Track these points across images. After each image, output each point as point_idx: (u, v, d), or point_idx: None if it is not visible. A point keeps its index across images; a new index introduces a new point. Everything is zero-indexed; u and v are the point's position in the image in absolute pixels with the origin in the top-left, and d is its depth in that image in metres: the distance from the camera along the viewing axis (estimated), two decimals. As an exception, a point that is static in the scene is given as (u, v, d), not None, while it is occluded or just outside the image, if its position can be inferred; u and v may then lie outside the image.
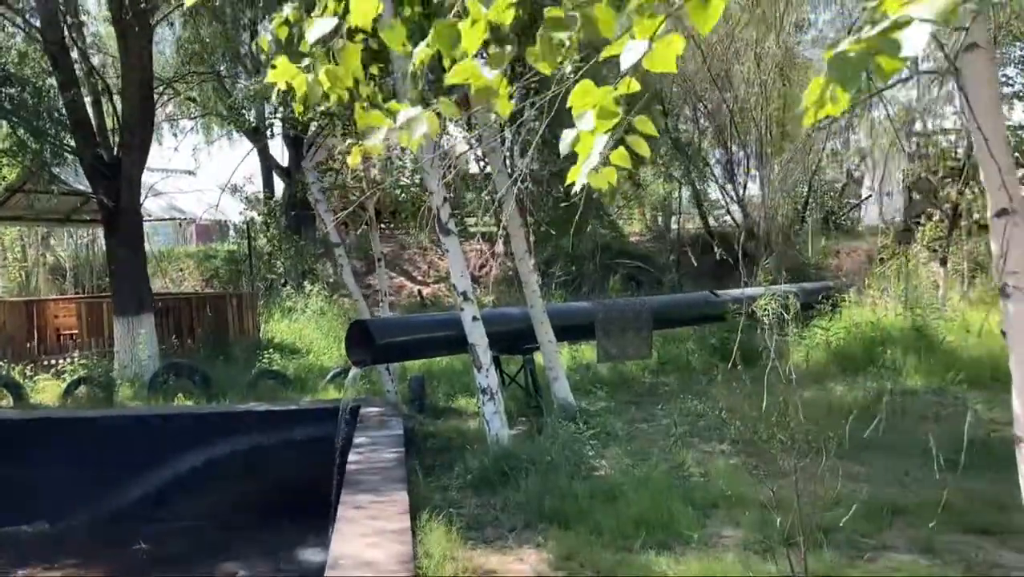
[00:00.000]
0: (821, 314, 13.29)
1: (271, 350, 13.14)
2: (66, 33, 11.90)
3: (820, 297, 13.66)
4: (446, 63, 1.99)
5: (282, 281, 18.61)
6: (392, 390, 9.64)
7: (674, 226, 19.13)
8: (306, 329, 15.95)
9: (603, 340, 10.47)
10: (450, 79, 1.94)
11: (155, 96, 13.29)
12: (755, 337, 12.43)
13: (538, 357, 9.69)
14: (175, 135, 21.81)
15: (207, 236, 29.32)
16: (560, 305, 10.66)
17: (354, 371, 8.29)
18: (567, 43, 1.82)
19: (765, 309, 12.50)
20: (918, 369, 10.61)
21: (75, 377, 11.16)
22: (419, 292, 18.90)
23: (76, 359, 11.81)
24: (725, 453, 7.70)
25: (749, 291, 12.80)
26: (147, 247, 21.99)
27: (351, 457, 6.64)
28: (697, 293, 12.50)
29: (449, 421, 9.59)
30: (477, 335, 7.28)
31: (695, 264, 16.73)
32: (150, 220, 17.10)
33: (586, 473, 6.90)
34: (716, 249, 17.82)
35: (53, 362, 12.60)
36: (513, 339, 9.25)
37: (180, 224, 30.00)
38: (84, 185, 13.59)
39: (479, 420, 9.40)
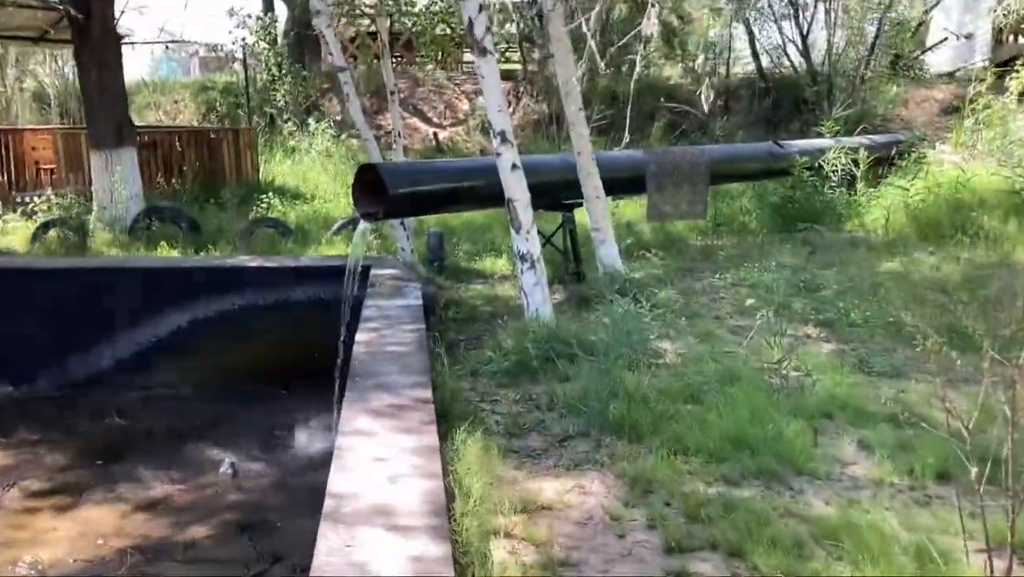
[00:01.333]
0: (897, 171, 11.69)
1: (271, 194, 11.67)
2: None
3: (893, 151, 12.01)
4: None
5: (284, 117, 16.89)
6: (407, 248, 8.23)
7: (722, 68, 17.15)
8: (311, 172, 14.42)
9: (655, 195, 8.94)
10: None
11: None
12: (821, 195, 10.92)
13: (579, 214, 8.22)
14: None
15: (210, 69, 27.33)
16: (606, 154, 9.09)
17: (363, 225, 6.85)
18: None
19: (834, 164, 10.95)
20: (1019, 239, 9.10)
21: (45, 220, 9.77)
22: (435, 135, 17.21)
23: (52, 198, 10.39)
24: (816, 339, 6.33)
25: (816, 143, 11.17)
26: (140, 77, 20.15)
27: (360, 336, 5.30)
28: (759, 144, 10.85)
29: (474, 285, 8.23)
30: (517, 188, 5.78)
31: (748, 111, 14.92)
32: (132, 42, 15.24)
33: (650, 362, 5.57)
34: (770, 95, 15.96)
35: (27, 200, 11.17)
36: (551, 192, 7.74)
37: (184, 55, 28.00)
38: (52, -4, 11.76)
39: (509, 286, 8.04)
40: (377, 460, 3.38)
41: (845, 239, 9.93)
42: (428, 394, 4.17)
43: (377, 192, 6.76)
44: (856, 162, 10.95)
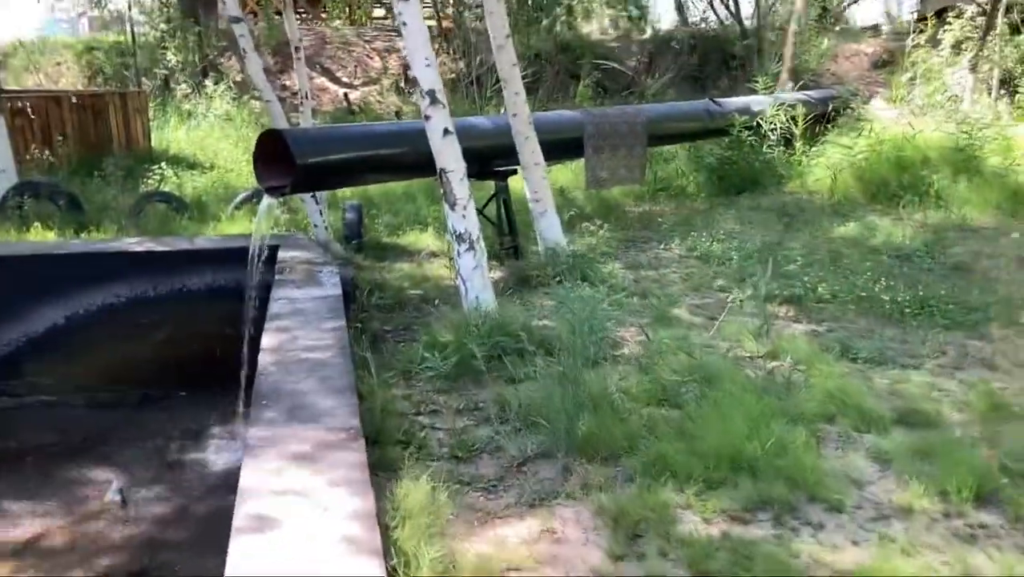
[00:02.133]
0: (834, 128, 11.19)
1: (164, 165, 10.47)
2: None
3: (829, 108, 11.51)
4: None
5: (177, 78, 15.47)
6: (321, 223, 7.28)
7: (647, 26, 16.43)
8: (209, 138, 13.16)
9: (593, 160, 8.18)
10: None
11: None
12: (760, 156, 10.35)
13: (513, 182, 7.40)
14: None
15: (100, 28, 25.29)
16: (541, 115, 8.25)
17: (267, 201, 5.89)
18: None
19: (772, 122, 10.37)
20: (969, 199, 8.68)
21: None
22: (345, 96, 16.06)
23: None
24: (785, 318, 5.69)
25: (752, 100, 10.57)
26: (16, 38, 18.33)
27: (267, 340, 4.39)
28: (695, 102, 10.18)
29: (398, 265, 7.35)
30: (450, 157, 4.92)
31: (674, 68, 14.24)
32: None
33: (613, 358, 4.83)
34: (696, 51, 15.31)
35: None
36: (482, 159, 6.89)
37: (73, 14, 25.93)
38: None
39: (439, 265, 7.19)
40: (295, 541, 2.53)
41: (789, 202, 9.37)
42: (355, 421, 3.33)
43: (283, 162, 5.81)
44: (794, 120, 10.41)
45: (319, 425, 3.28)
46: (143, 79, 15.43)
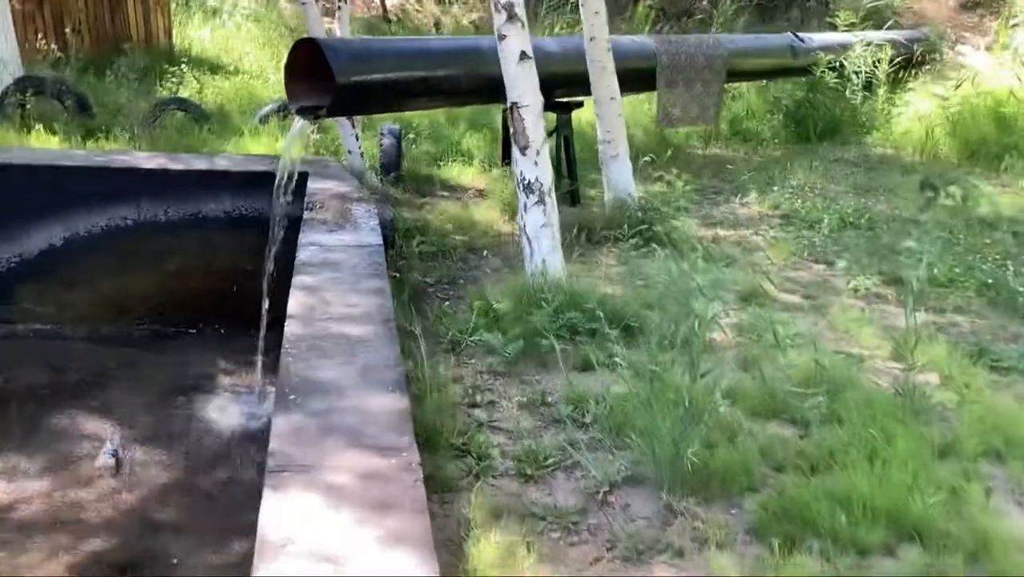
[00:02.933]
0: (920, 74, 10.12)
1: (185, 65, 9.55)
2: None
3: (917, 52, 10.40)
4: None
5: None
6: (356, 150, 6.41)
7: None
8: (234, 39, 12.16)
9: (665, 95, 7.24)
10: None
11: None
12: (841, 101, 9.32)
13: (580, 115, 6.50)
14: None
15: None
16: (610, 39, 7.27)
17: (299, 123, 5.02)
18: None
19: (857, 63, 9.30)
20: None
21: None
22: (382, 3, 14.91)
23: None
24: (894, 303, 4.84)
25: (836, 37, 9.48)
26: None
27: (294, 302, 3.60)
28: (778, 35, 9.12)
29: (440, 203, 6.49)
30: (527, 87, 4.04)
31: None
32: None
33: (706, 348, 4.02)
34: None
35: None
36: (544, 88, 5.96)
37: None
38: None
39: (486, 206, 6.34)
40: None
41: (874, 156, 8.42)
42: (408, 438, 2.55)
43: (320, 79, 4.94)
44: (876, 63, 9.33)
45: (363, 444, 2.50)
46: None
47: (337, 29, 7.06)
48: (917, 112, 9.03)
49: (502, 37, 3.95)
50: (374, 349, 3.19)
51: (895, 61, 9.46)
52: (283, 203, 5.21)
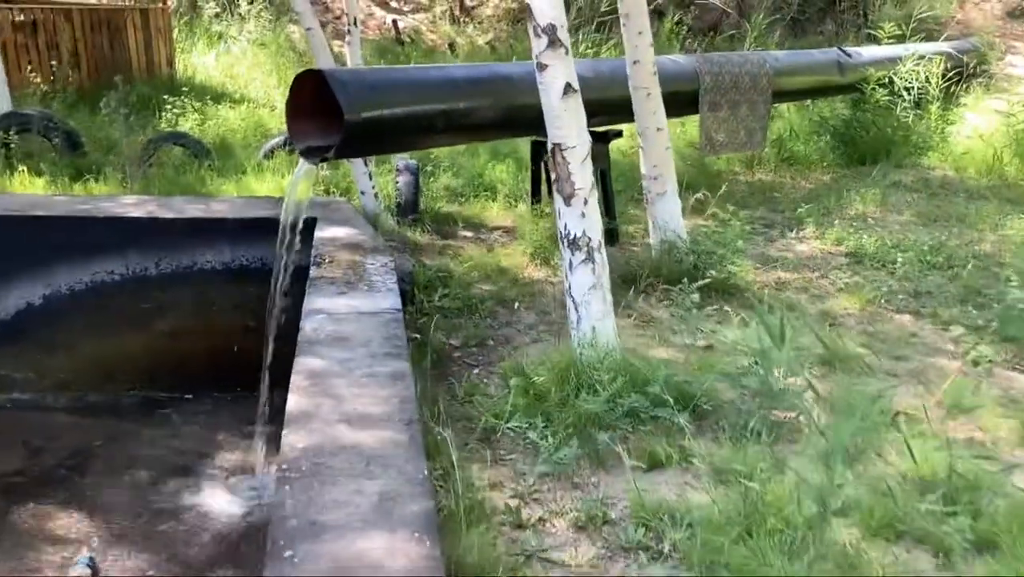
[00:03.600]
0: (973, 88, 9.40)
1: (187, 96, 8.97)
2: None
3: (972, 64, 9.68)
4: None
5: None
6: (370, 188, 5.76)
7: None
8: (240, 65, 11.59)
9: (709, 120, 6.55)
10: None
11: None
12: (893, 120, 8.61)
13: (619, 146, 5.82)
14: None
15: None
16: None
17: (304, 166, 4.36)
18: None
19: (908, 78, 8.58)
20: None
21: None
22: (394, 24, 14.34)
23: None
24: (1012, 367, 4.12)
25: (885, 51, 8.77)
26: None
27: (294, 397, 2.92)
28: (824, 51, 8.42)
29: (465, 246, 5.82)
30: (570, 126, 3.36)
31: (771, 8, 12.30)
32: None
33: (777, 428, 3.31)
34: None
35: None
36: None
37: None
38: None
39: (515, 249, 5.66)
40: None
41: (935, 180, 7.69)
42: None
43: (327, 115, 4.29)
44: (929, 77, 8.61)
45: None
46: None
47: (347, 55, 6.42)
48: (976, 130, 8.31)
49: (542, 67, 3.28)
50: (395, 468, 2.50)
51: (948, 75, 8.75)
52: (287, 256, 4.56)
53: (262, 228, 5.14)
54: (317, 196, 5.87)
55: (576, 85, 3.32)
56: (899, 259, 5.43)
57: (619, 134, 5.65)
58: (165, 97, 8.95)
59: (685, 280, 4.84)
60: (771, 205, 6.96)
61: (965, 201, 7.01)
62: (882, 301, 4.89)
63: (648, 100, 4.78)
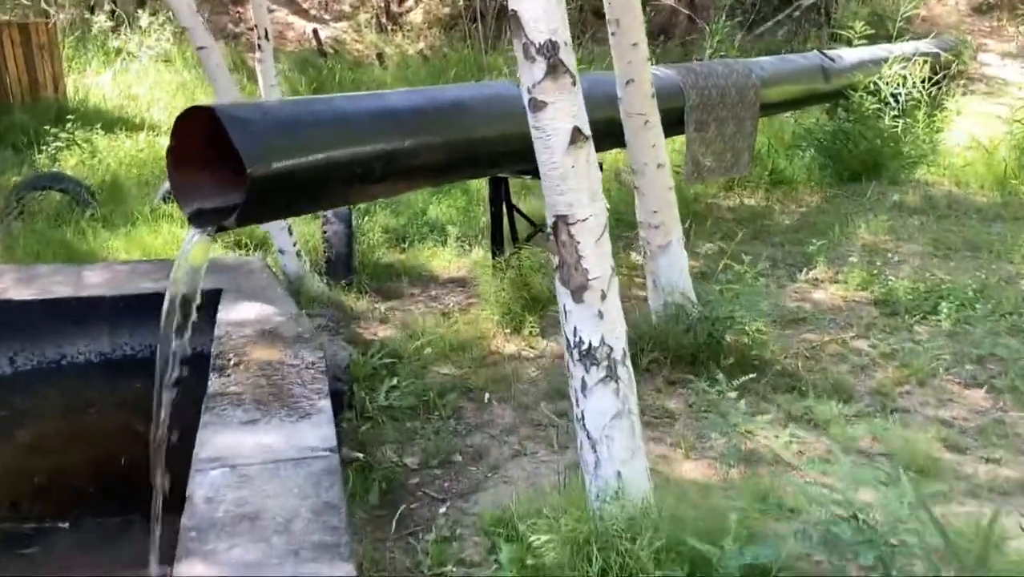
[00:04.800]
0: (952, 91, 8.63)
1: (74, 124, 7.65)
2: None
3: (954, 65, 8.91)
4: None
5: (104, 6, 12.37)
6: (290, 245, 4.59)
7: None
8: (140, 85, 10.23)
9: (696, 143, 5.54)
10: None
11: None
12: (880, 130, 7.73)
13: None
14: None
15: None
16: (601, 76, 5.66)
17: (194, 237, 3.18)
18: None
19: (896, 83, 7.71)
20: None
21: None
22: (315, 33, 13.07)
23: None
24: None
25: (867, 52, 7.91)
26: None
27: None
28: (806, 56, 7.50)
29: (414, 311, 4.70)
30: (580, 187, 2.27)
31: (729, 11, 11.38)
32: None
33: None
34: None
35: None
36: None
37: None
38: None
39: (475, 312, 4.57)
40: None
41: (938, 197, 6.82)
42: None
43: (221, 162, 3.13)
44: (917, 81, 7.77)
45: None
46: (49, 5, 12.29)
47: (259, 72, 5.23)
48: (975, 138, 7.49)
49: (538, 105, 2.18)
50: None
51: (935, 78, 7.94)
52: (175, 345, 3.38)
53: (151, 305, 3.93)
54: (221, 256, 4.66)
55: (587, 130, 2.23)
56: (942, 308, 4.47)
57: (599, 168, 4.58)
58: (47, 127, 7.61)
59: (702, 356, 3.82)
60: (766, 237, 5.99)
61: (980, 224, 6.15)
62: (942, 371, 3.91)
63: (645, 130, 3.72)
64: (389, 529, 2.97)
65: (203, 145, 3.20)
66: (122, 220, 5.73)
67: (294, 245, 4.58)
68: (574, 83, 2.20)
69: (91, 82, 10.26)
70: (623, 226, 5.65)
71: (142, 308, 4.06)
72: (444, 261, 5.42)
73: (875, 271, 5.03)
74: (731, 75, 5.81)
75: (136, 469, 3.63)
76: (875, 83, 7.45)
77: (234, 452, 2.63)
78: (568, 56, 2.18)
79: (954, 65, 8.82)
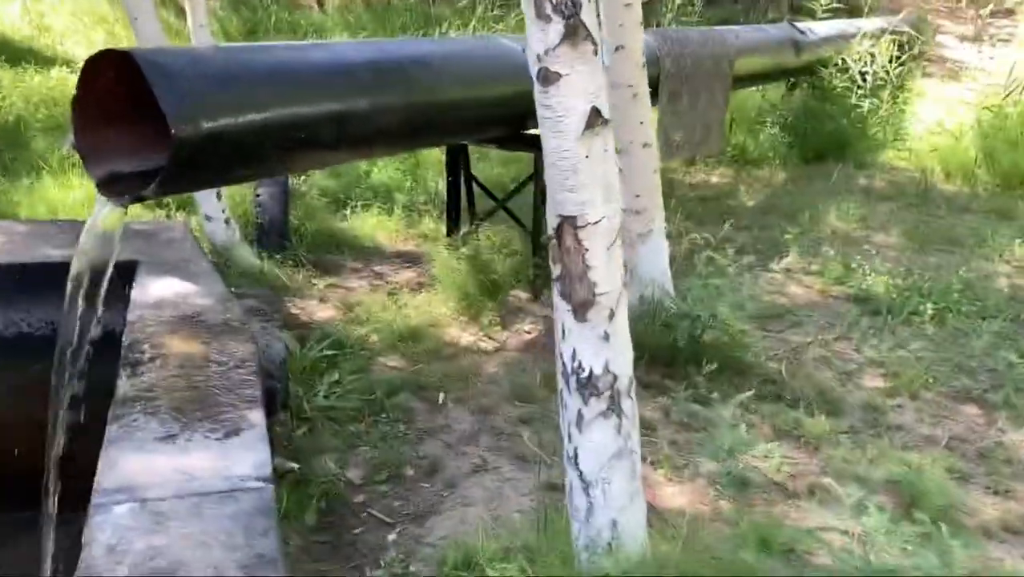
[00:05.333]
0: (914, 70, 8.41)
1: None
2: None
3: (919, 44, 8.68)
4: None
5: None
6: (218, 211, 4.05)
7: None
8: (54, 15, 9.34)
9: (669, 115, 5.13)
10: None
11: None
12: (849, 109, 7.42)
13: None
14: None
15: None
16: None
17: (104, 208, 2.64)
18: None
19: (863, 60, 7.41)
20: None
21: None
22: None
23: None
24: None
25: (834, 26, 7.60)
26: None
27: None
28: (777, 26, 7.14)
29: (356, 289, 4.23)
30: (594, 182, 1.83)
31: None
32: None
33: None
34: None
35: None
36: (513, 115, 3.81)
37: None
38: None
39: (429, 291, 4.13)
40: None
41: (906, 184, 6.58)
42: None
43: (139, 117, 2.61)
44: (872, 57, 7.49)
45: None
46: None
47: (188, 14, 4.63)
48: (939, 123, 7.28)
49: (549, 77, 1.73)
50: None
51: (902, 57, 7.67)
52: (85, 327, 2.86)
53: (55, 275, 3.37)
54: (137, 221, 4.09)
55: (607, 111, 1.79)
56: (926, 309, 4.20)
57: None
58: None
59: (680, 358, 3.46)
60: (731, 218, 5.62)
61: (951, 215, 5.92)
62: (932, 382, 3.62)
63: (634, 103, 3.29)
64: (330, 559, 2.55)
65: (118, 96, 2.67)
66: (26, 168, 5.08)
67: (223, 212, 4.04)
68: (595, 51, 1.75)
69: (-2, 9, 9.31)
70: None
71: (46, 278, 3.50)
72: (390, 232, 4.94)
73: (852, 264, 4.72)
74: (707, 43, 5.41)
75: (33, 461, 3.13)
76: (844, 59, 7.15)
77: (146, 479, 2.14)
78: (589, 16, 1.73)
79: (917, 45, 8.58)
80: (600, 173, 1.82)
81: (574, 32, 1.70)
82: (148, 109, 2.53)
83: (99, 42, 8.68)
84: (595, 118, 1.77)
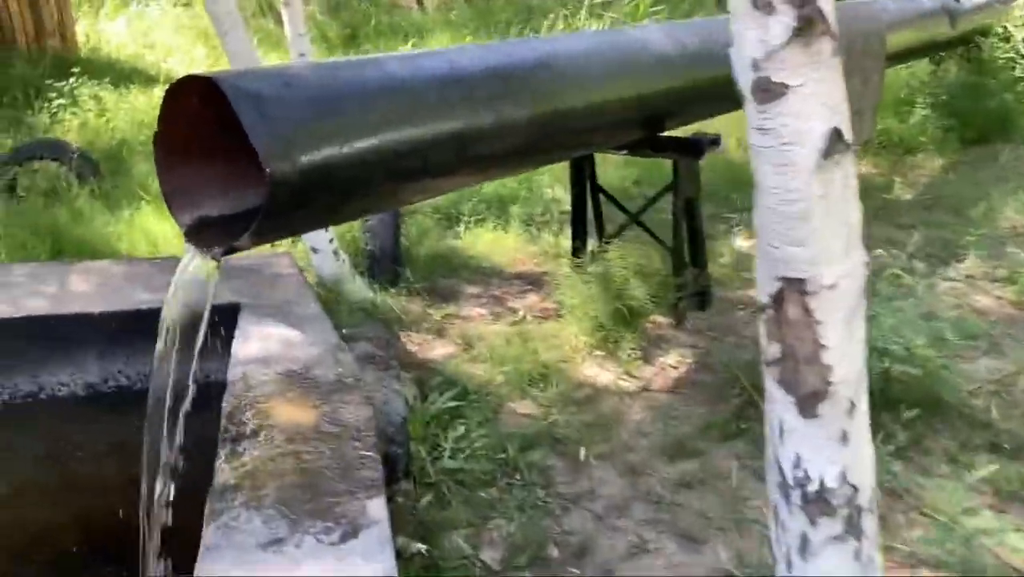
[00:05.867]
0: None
1: (84, 74, 6.76)
2: None
3: None
4: None
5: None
6: (326, 245, 3.68)
7: None
8: (158, 31, 9.29)
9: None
10: None
11: None
12: (1011, 84, 6.55)
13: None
14: None
15: None
16: (702, 22, 4.69)
17: (193, 260, 2.27)
18: None
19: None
20: None
21: None
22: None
23: None
24: None
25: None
26: None
27: None
28: (928, -6, 6.36)
29: (475, 318, 3.80)
30: (832, 229, 1.32)
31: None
32: None
33: None
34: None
35: None
36: (650, 116, 3.30)
37: None
38: None
39: (556, 315, 3.64)
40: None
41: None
42: None
43: (229, 153, 2.22)
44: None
45: None
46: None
47: (286, 22, 4.30)
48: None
49: (773, 92, 1.22)
50: None
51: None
52: (172, 384, 2.51)
53: (151, 322, 3.06)
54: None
55: (849, 132, 1.28)
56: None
57: (716, 141, 3.59)
58: (50, 82, 6.73)
59: (872, 401, 2.86)
60: (890, 218, 4.97)
61: None
62: None
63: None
64: None
65: (207, 121, 2.29)
66: (127, 197, 4.84)
67: (331, 241, 3.67)
68: (834, 50, 1.24)
69: (103, 30, 9.31)
70: (716, 203, 4.70)
71: (143, 325, 3.18)
72: (507, 250, 4.49)
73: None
74: (856, 18, 4.75)
75: (135, 524, 2.82)
76: (1005, 27, 6.33)
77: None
78: (828, 3, 1.22)
79: None
80: (840, 216, 1.30)
81: (809, 27, 1.19)
82: (239, 139, 2.14)
83: (200, 58, 8.56)
84: (836, 143, 1.25)
